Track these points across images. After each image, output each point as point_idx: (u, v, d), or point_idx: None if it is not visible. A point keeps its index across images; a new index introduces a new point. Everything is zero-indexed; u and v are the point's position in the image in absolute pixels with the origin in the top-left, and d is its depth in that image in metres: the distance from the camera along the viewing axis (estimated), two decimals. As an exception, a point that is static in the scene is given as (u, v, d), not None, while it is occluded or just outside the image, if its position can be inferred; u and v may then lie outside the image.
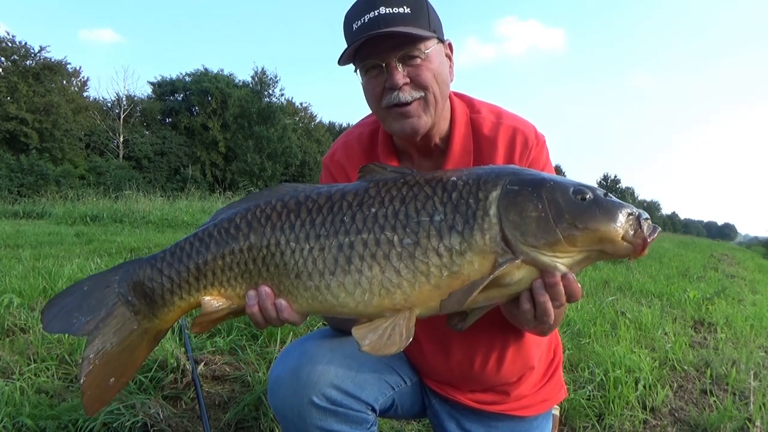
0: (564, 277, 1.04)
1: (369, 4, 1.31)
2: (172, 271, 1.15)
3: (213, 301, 1.15)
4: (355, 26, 1.32)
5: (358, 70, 1.41)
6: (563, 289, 1.05)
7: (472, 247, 1.02)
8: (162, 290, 1.16)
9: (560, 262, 1.03)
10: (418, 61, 1.34)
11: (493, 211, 1.03)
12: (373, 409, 1.45)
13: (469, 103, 1.55)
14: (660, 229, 1.07)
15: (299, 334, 3.08)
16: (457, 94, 1.56)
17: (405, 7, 1.30)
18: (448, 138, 1.48)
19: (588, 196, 1.04)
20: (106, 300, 1.16)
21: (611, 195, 1.08)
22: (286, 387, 1.36)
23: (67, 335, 2.96)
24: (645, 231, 1.03)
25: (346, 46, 1.36)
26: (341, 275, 1.06)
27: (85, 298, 1.16)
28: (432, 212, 1.04)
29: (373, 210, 1.07)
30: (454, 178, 1.09)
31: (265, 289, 1.12)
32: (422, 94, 1.36)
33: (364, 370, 1.43)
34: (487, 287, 1.02)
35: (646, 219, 1.05)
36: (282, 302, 1.12)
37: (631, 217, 1.03)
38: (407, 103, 1.34)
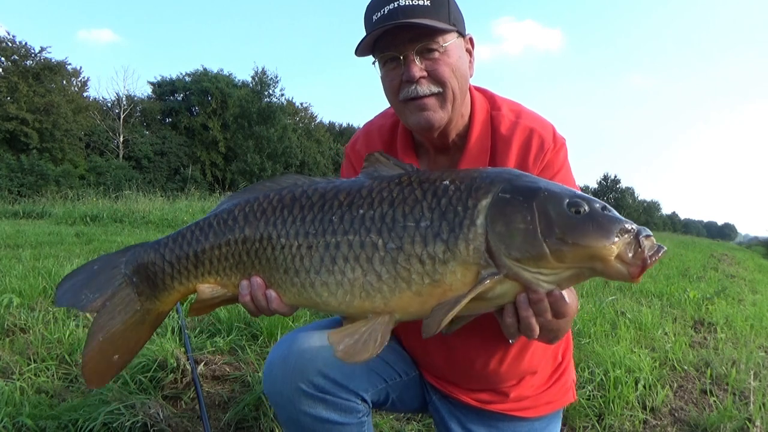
0: (550, 294, 0.98)
1: None
2: (173, 257, 1.20)
3: (209, 288, 1.19)
4: (374, 17, 1.32)
5: (376, 63, 1.41)
6: (549, 306, 0.99)
7: (455, 256, 0.99)
8: (163, 274, 1.20)
9: (544, 279, 0.97)
10: (437, 54, 1.33)
11: (480, 220, 0.99)
12: (364, 400, 1.46)
13: (491, 99, 1.52)
14: (665, 248, 0.96)
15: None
16: (478, 89, 1.54)
17: (425, 0, 1.30)
18: (465, 135, 1.46)
19: (583, 209, 0.97)
20: (113, 280, 1.22)
21: (611, 209, 1.00)
22: (277, 373, 1.39)
23: (67, 335, 2.97)
24: (645, 251, 0.93)
25: (359, 41, 1.36)
26: (325, 275, 1.06)
27: (95, 277, 1.22)
28: (419, 217, 1.02)
29: (361, 211, 1.06)
30: (447, 182, 1.06)
31: (257, 280, 1.15)
32: (440, 89, 1.35)
33: None
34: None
35: (648, 236, 0.95)
36: (272, 294, 1.14)
37: (628, 235, 0.94)
38: (424, 96, 1.34)
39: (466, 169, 1.19)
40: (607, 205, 1.01)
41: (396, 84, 1.36)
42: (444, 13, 1.32)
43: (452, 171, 1.15)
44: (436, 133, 1.42)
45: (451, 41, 1.34)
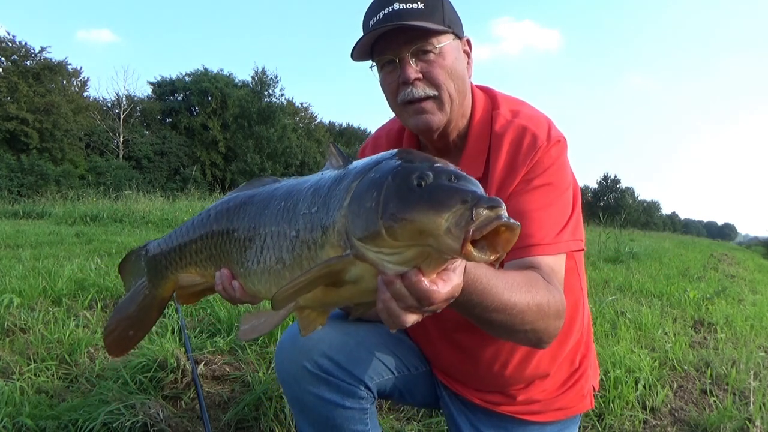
0: (404, 276, 0.87)
1: (384, 1, 1.33)
2: (166, 250, 1.37)
3: (188, 277, 1.33)
4: (371, 23, 1.35)
5: (374, 68, 1.42)
6: (405, 290, 0.88)
7: (328, 239, 0.97)
8: (160, 265, 1.37)
9: (388, 259, 0.88)
10: (431, 56, 1.34)
11: (346, 202, 0.94)
12: (368, 388, 1.47)
13: (493, 98, 1.51)
14: (507, 219, 0.76)
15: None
16: (481, 88, 1.54)
17: (419, 3, 1.32)
18: (466, 135, 1.46)
19: (427, 182, 0.85)
20: (139, 269, 1.43)
21: (466, 178, 0.84)
22: (285, 352, 1.48)
23: (66, 335, 2.98)
24: (474, 223, 0.75)
25: (354, 44, 1.38)
26: (256, 264, 1.13)
27: (133, 266, 1.45)
28: (313, 204, 1.03)
29: (283, 204, 1.10)
30: (349, 168, 1.02)
31: (225, 272, 1.22)
32: (435, 93, 1.35)
33: (361, 349, 1.48)
34: (338, 284, 0.97)
35: (494, 207, 0.76)
36: (236, 284, 1.21)
37: (462, 205, 0.78)
38: (420, 99, 1.35)
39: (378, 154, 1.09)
40: (461, 174, 0.85)
41: (394, 87, 1.37)
42: (438, 15, 1.34)
43: (363, 158, 1.09)
44: (436, 135, 1.42)
45: (446, 42, 1.35)
